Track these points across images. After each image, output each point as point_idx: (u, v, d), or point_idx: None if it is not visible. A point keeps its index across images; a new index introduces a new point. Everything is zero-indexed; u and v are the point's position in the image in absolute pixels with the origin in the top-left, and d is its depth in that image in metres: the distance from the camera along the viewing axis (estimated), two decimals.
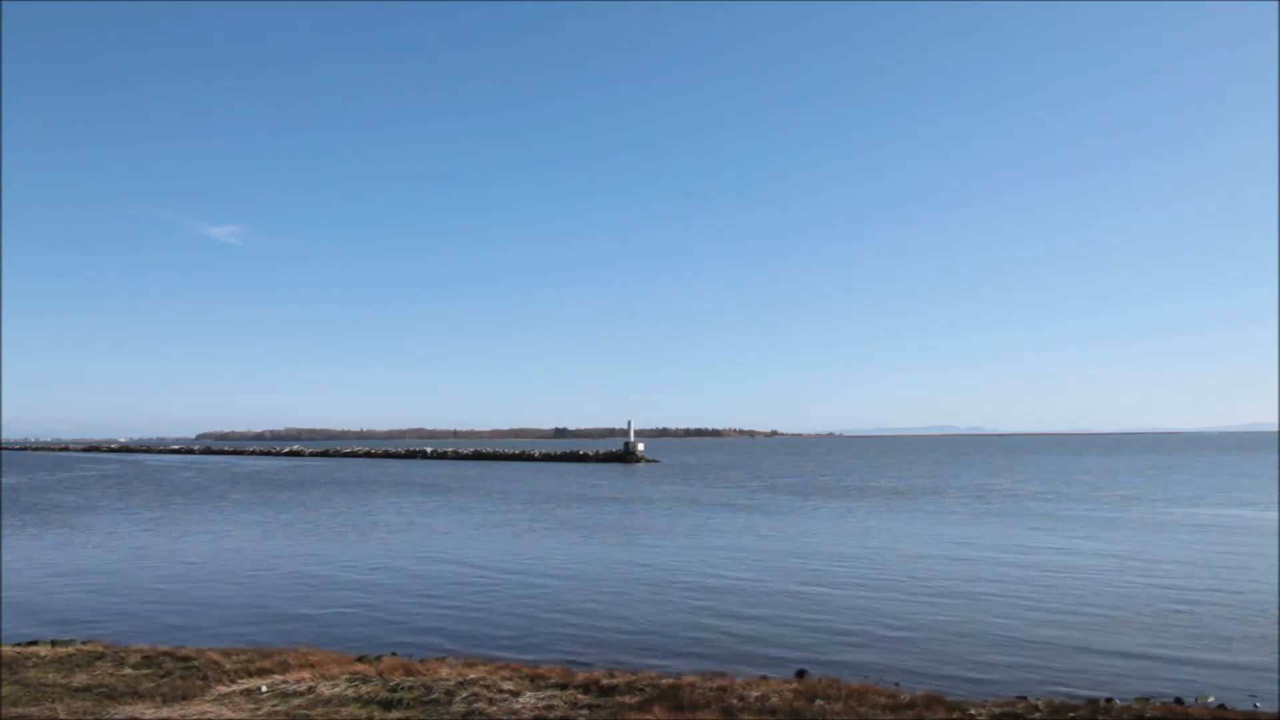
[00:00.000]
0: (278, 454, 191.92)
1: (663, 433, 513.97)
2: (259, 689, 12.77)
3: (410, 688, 12.64)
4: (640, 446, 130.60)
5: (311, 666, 14.28)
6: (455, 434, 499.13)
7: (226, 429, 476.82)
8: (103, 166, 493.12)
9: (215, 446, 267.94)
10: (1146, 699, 12.96)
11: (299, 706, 11.92)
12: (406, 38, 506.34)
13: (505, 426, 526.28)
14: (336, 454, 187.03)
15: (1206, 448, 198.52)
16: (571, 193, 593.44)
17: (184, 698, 12.50)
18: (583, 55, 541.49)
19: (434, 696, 12.23)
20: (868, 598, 22.69)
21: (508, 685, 12.78)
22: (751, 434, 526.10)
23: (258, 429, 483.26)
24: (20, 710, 11.68)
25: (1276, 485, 64.20)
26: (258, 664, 14.56)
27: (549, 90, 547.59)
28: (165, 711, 11.65)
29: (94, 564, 30.26)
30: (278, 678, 13.49)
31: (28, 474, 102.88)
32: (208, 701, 12.23)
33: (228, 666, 14.33)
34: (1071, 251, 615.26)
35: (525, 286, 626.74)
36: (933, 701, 11.92)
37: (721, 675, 13.78)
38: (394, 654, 16.06)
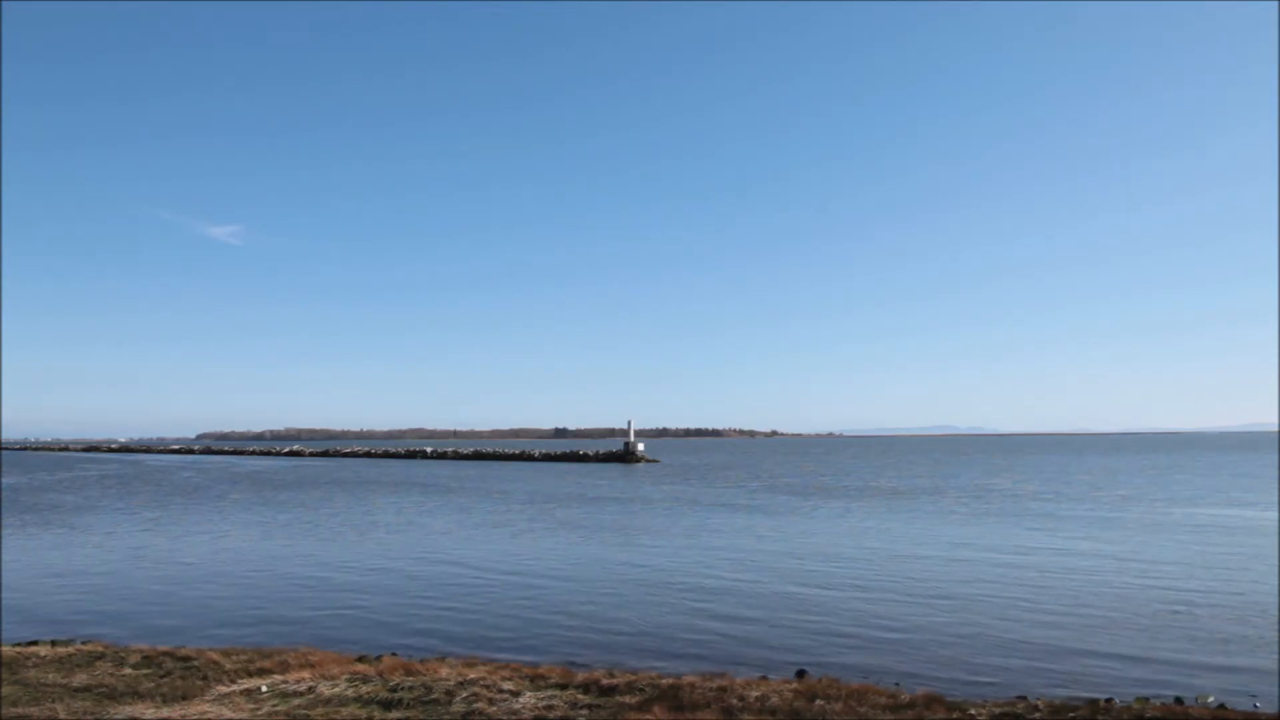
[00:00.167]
0: (278, 454, 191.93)
1: (663, 433, 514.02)
2: (259, 689, 12.77)
3: (410, 688, 12.65)
4: (640, 446, 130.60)
5: (311, 666, 14.29)
6: (455, 434, 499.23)
7: (226, 429, 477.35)
8: (103, 166, 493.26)
9: (215, 446, 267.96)
10: (1146, 699, 12.97)
11: (299, 706, 11.93)
12: (406, 38, 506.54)
13: (505, 426, 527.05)
14: (336, 454, 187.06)
15: (1206, 448, 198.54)
16: (571, 193, 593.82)
17: (184, 698, 12.50)
18: (583, 55, 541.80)
19: (434, 696, 12.24)
20: (867, 598, 22.69)
21: (508, 685, 12.78)
22: (751, 434, 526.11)
23: (258, 429, 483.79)
24: (20, 710, 11.69)
25: (1276, 485, 64.20)
26: (258, 664, 14.57)
27: (549, 90, 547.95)
28: (165, 711, 11.65)
29: (94, 564, 30.27)
30: (278, 678, 13.49)
31: (28, 474, 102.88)
32: (208, 701, 12.24)
33: (228, 666, 14.34)
34: (1071, 251, 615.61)
35: (525, 286, 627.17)
36: (933, 701, 11.93)
37: (721, 675, 13.78)
38: (394, 654, 16.06)
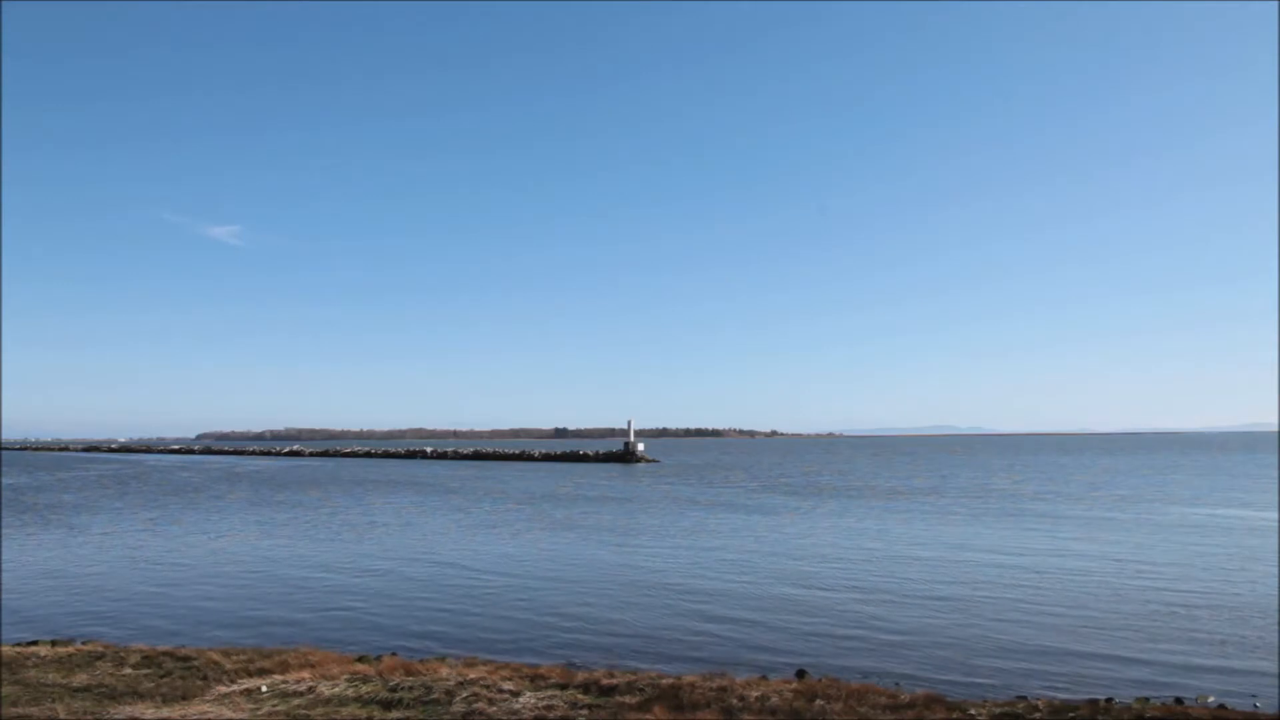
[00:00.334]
0: (278, 454, 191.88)
1: (663, 433, 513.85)
2: (259, 689, 12.77)
3: (410, 688, 12.65)
4: (640, 446, 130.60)
5: (311, 666, 14.28)
6: (455, 434, 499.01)
7: (226, 429, 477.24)
8: (103, 166, 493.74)
9: (215, 446, 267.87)
10: (1146, 699, 12.97)
11: (299, 706, 11.93)
12: (406, 37, 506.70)
13: (505, 426, 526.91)
14: (336, 454, 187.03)
15: (1206, 448, 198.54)
16: (572, 193, 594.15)
17: (184, 698, 12.50)
18: (583, 55, 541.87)
19: (434, 696, 12.24)
20: (866, 599, 22.70)
21: (508, 685, 12.78)
22: (751, 434, 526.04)
23: (258, 429, 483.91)
24: (20, 710, 11.68)
25: (1276, 486, 64.20)
26: (258, 664, 14.57)
27: (549, 90, 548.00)
28: (165, 711, 11.65)
29: (93, 564, 30.26)
30: (278, 678, 13.49)
31: (28, 474, 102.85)
32: (208, 701, 12.23)
33: (228, 666, 14.33)
34: (1071, 251, 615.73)
35: (525, 286, 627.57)
36: (933, 701, 11.92)
37: (722, 675, 13.78)
38: (394, 654, 16.06)
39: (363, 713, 11.69)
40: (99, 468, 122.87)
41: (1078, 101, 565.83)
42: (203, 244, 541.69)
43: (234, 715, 11.46)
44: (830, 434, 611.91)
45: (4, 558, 31.39)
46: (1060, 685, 14.58)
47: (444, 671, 13.78)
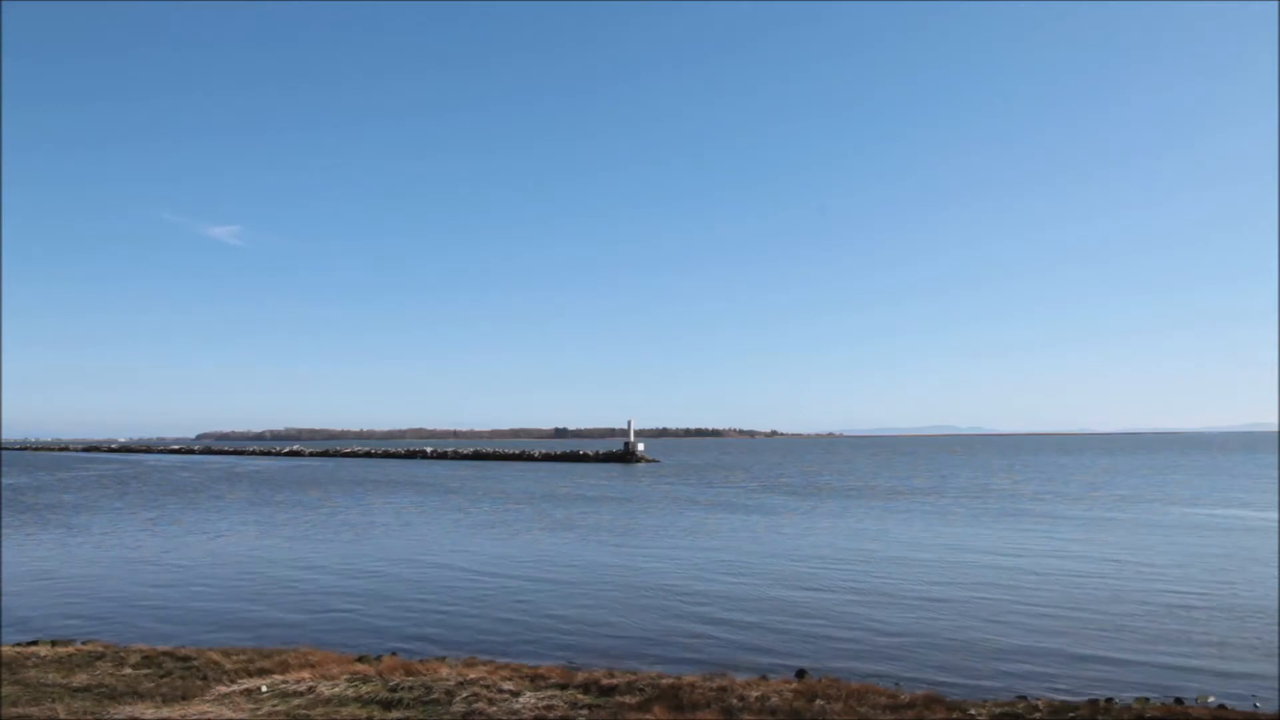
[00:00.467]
0: (278, 454, 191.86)
1: (663, 433, 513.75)
2: (259, 689, 12.77)
3: (410, 688, 12.65)
4: (640, 446, 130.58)
5: (311, 666, 14.28)
6: (455, 434, 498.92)
7: (226, 429, 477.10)
8: (103, 166, 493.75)
9: (215, 446, 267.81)
10: (1146, 699, 12.97)
11: (299, 706, 11.93)
12: (406, 37, 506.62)
13: (505, 426, 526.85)
14: (336, 454, 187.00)
15: (1206, 448, 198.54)
16: (572, 193, 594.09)
17: (184, 698, 12.50)
18: (582, 55, 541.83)
19: (434, 696, 12.24)
20: (866, 599, 22.69)
21: (508, 685, 12.78)
22: (751, 434, 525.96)
23: (258, 429, 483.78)
24: (20, 710, 11.68)
25: (1276, 486, 64.19)
26: (258, 664, 14.57)
27: (548, 90, 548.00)
28: (165, 711, 11.65)
29: (93, 564, 30.26)
30: (278, 678, 13.49)
31: (28, 474, 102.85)
32: (208, 701, 12.23)
33: (228, 666, 14.33)
34: (1071, 251, 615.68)
35: (525, 286, 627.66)
36: (933, 702, 11.92)
37: (722, 675, 13.78)
38: (394, 654, 16.06)
39: (363, 713, 11.69)
40: (99, 468, 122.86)
41: (1078, 101, 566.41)
42: (203, 244, 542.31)
43: (234, 715, 11.45)
44: (830, 434, 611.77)
45: (4, 558, 31.39)
46: (1060, 685, 14.58)
47: (444, 671, 13.78)
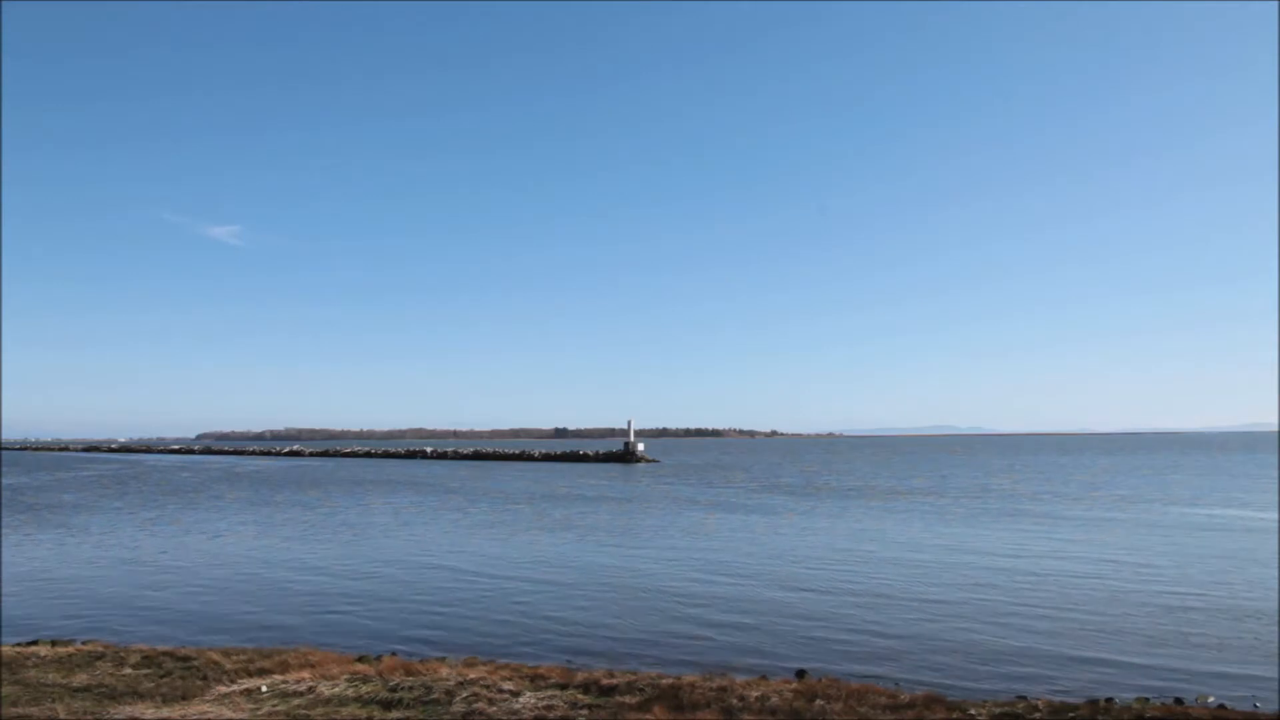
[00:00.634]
0: (278, 454, 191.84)
1: (663, 433, 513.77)
2: (259, 689, 12.77)
3: (410, 688, 12.65)
4: (640, 446, 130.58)
5: (311, 666, 14.28)
6: (455, 434, 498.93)
7: (226, 429, 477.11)
8: (103, 166, 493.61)
9: (215, 446, 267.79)
10: (1146, 699, 12.97)
11: (299, 706, 11.93)
12: (406, 37, 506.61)
13: (505, 426, 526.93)
14: (336, 454, 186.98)
15: (1206, 448, 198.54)
16: (572, 193, 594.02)
17: (184, 698, 12.50)
18: (582, 55, 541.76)
19: (434, 696, 12.24)
20: (865, 600, 22.70)
21: (508, 685, 12.78)
22: (751, 434, 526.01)
23: (258, 429, 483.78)
24: (20, 710, 11.68)
25: (1276, 486, 64.20)
26: (258, 664, 14.57)
27: (548, 90, 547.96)
28: (165, 711, 11.65)
29: (92, 564, 30.26)
30: (278, 678, 13.49)
31: (28, 474, 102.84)
32: (208, 701, 12.24)
33: (228, 666, 14.33)
34: (1070, 251, 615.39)
35: (525, 286, 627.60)
36: (933, 702, 11.93)
37: (722, 675, 13.78)
38: (394, 654, 16.06)
39: (363, 713, 11.70)
40: (99, 468, 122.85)
41: (1078, 101, 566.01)
42: (203, 244, 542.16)
43: (234, 715, 11.46)
44: (830, 434, 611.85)
45: (4, 558, 31.39)
46: (1060, 686, 14.58)
47: (444, 671, 13.78)
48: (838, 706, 11.65)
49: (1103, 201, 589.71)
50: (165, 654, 15.25)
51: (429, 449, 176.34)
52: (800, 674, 14.83)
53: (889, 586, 24.30)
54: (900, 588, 24.09)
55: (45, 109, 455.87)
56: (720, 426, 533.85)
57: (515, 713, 11.54)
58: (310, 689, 12.73)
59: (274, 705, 11.97)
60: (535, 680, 13.28)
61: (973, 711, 11.51)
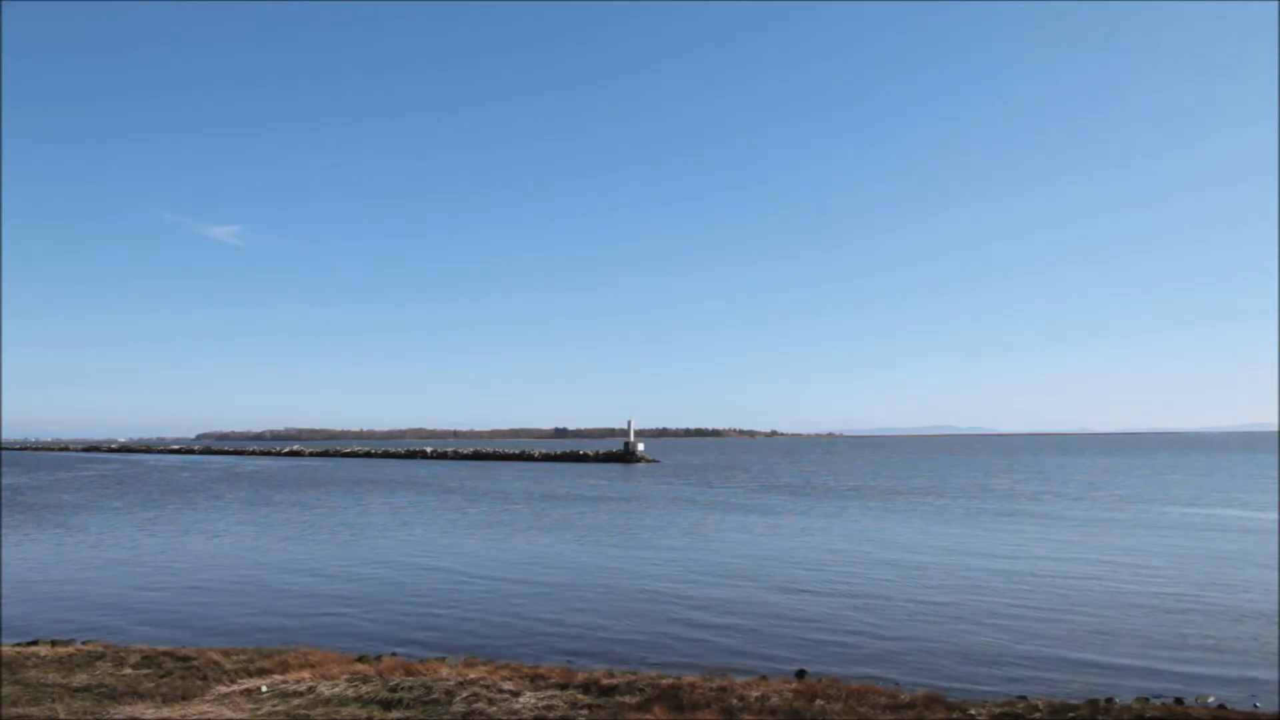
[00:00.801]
0: (278, 454, 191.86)
1: (663, 433, 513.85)
2: (259, 689, 12.77)
3: (410, 688, 12.65)
4: (640, 446, 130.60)
5: (311, 666, 14.29)
6: (455, 434, 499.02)
7: (226, 429, 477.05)
8: (103, 166, 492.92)
9: (215, 446, 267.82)
10: (1146, 699, 12.98)
11: (299, 706, 11.93)
12: (406, 37, 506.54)
13: (505, 426, 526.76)
14: (336, 454, 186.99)
15: (1206, 448, 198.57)
16: (572, 193, 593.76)
17: (184, 698, 12.50)
18: (582, 55, 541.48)
19: (434, 696, 12.24)
20: (865, 600, 22.70)
21: (508, 685, 12.79)
22: (751, 434, 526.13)
23: (258, 429, 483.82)
24: (20, 710, 11.69)
25: (1276, 486, 64.20)
26: (258, 664, 14.57)
27: (548, 90, 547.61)
28: (165, 711, 11.65)
29: (92, 564, 30.26)
30: (278, 678, 13.49)
31: (28, 474, 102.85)
32: (208, 701, 12.24)
33: (228, 666, 14.34)
34: (1070, 251, 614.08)
35: (525, 286, 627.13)
36: (933, 701, 11.93)
37: (721, 675, 13.78)
38: (394, 654, 16.06)
39: (363, 713, 11.70)
40: (99, 468, 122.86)
41: (1078, 101, 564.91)
42: (203, 244, 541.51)
43: (234, 715, 11.46)
44: (830, 434, 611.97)
45: (3, 558, 31.39)
46: (1060, 684, 14.58)
47: (444, 671, 13.78)
48: (838, 706, 11.66)
49: (1103, 201, 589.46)
50: (165, 654, 15.25)
51: (429, 449, 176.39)
52: (800, 674, 14.83)
53: (888, 588, 24.31)
54: (899, 589, 24.09)
55: (45, 109, 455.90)
56: (720, 426, 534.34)
57: (515, 713, 11.55)
58: (310, 689, 12.74)
59: (274, 705, 11.97)
60: (535, 680, 13.29)
61: (973, 711, 11.51)
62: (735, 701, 11.95)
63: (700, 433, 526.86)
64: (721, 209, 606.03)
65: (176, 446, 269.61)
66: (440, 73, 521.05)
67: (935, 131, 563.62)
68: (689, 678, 13.53)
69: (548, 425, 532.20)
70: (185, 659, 14.85)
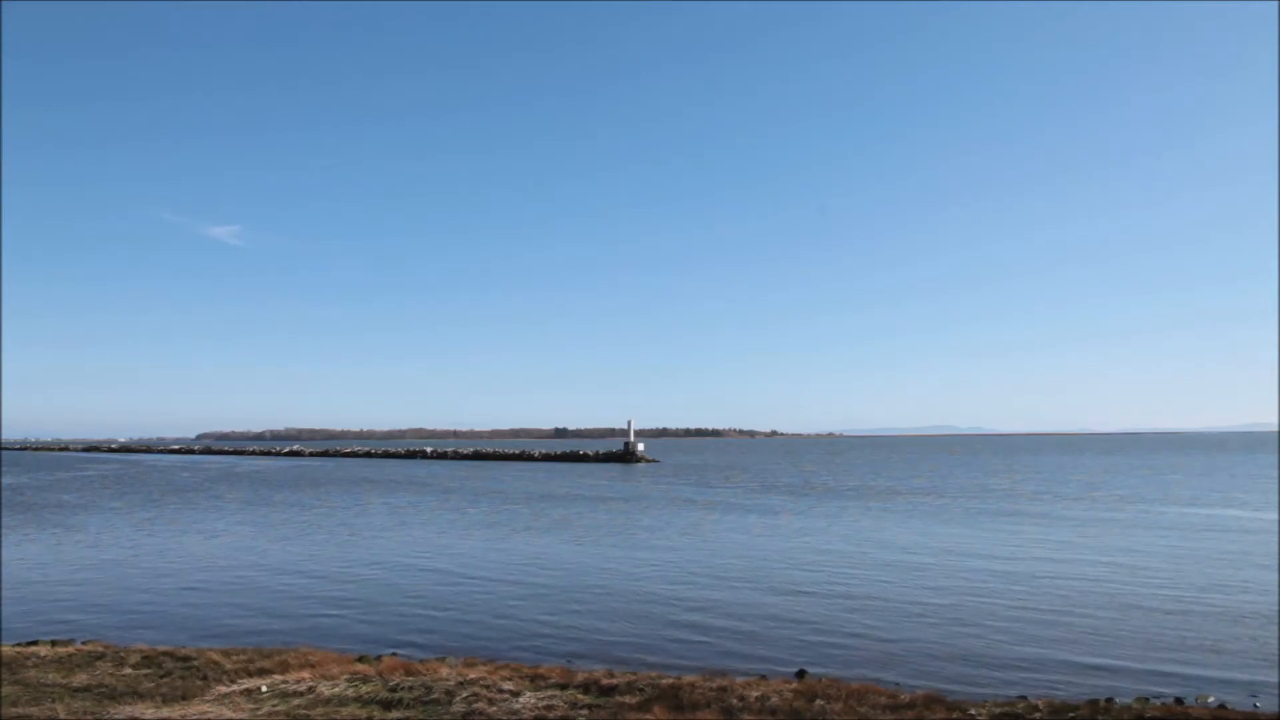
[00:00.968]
0: (277, 454, 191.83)
1: (663, 433, 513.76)
2: (259, 689, 12.77)
3: (410, 688, 12.65)
4: (640, 446, 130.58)
5: (311, 666, 14.29)
6: (455, 434, 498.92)
7: (226, 429, 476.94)
8: (103, 166, 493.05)
9: (215, 446, 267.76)
10: (1146, 699, 12.98)
11: (299, 706, 11.93)
12: (406, 37, 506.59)
13: (505, 426, 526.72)
14: (336, 454, 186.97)
15: (1206, 448, 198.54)
16: (571, 193, 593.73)
17: (184, 698, 12.50)
18: (582, 55, 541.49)
19: (434, 696, 12.24)
20: (865, 600, 22.70)
21: (508, 685, 12.79)
22: (751, 434, 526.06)
23: (258, 429, 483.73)
24: (20, 710, 11.69)
25: (1275, 486, 64.20)
26: (258, 664, 14.57)
27: (548, 90, 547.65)
28: (165, 711, 11.65)
29: (92, 564, 30.26)
30: (278, 678, 13.49)
31: (28, 474, 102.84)
32: (208, 701, 12.24)
33: (228, 666, 14.34)
34: (1070, 251, 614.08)
35: (525, 286, 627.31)
36: (933, 701, 11.93)
37: (722, 675, 13.79)
38: (394, 654, 16.06)
39: (363, 713, 11.70)
40: (99, 468, 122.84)
41: (1078, 101, 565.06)
42: (203, 244, 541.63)
43: (234, 715, 11.46)
44: (830, 434, 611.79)
45: (3, 558, 31.38)
46: (1060, 685, 14.58)
47: (444, 671, 13.78)
48: (838, 706, 11.66)
49: (1103, 201, 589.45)
50: (165, 654, 15.25)
51: (429, 449, 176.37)
52: (800, 674, 14.83)
53: (887, 589, 24.30)
54: (898, 590, 24.09)
55: (45, 109, 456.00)
56: (720, 426, 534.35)
57: (515, 713, 11.55)
58: (310, 689, 12.74)
59: (274, 705, 11.97)
60: (535, 680, 13.29)
61: (973, 711, 11.51)
62: (735, 701, 11.95)
63: (700, 433, 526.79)
64: (721, 209, 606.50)
65: (176, 446, 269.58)
66: (440, 73, 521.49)
67: (935, 131, 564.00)
68: (689, 678, 13.53)
69: (548, 425, 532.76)
70: (185, 659, 14.85)
